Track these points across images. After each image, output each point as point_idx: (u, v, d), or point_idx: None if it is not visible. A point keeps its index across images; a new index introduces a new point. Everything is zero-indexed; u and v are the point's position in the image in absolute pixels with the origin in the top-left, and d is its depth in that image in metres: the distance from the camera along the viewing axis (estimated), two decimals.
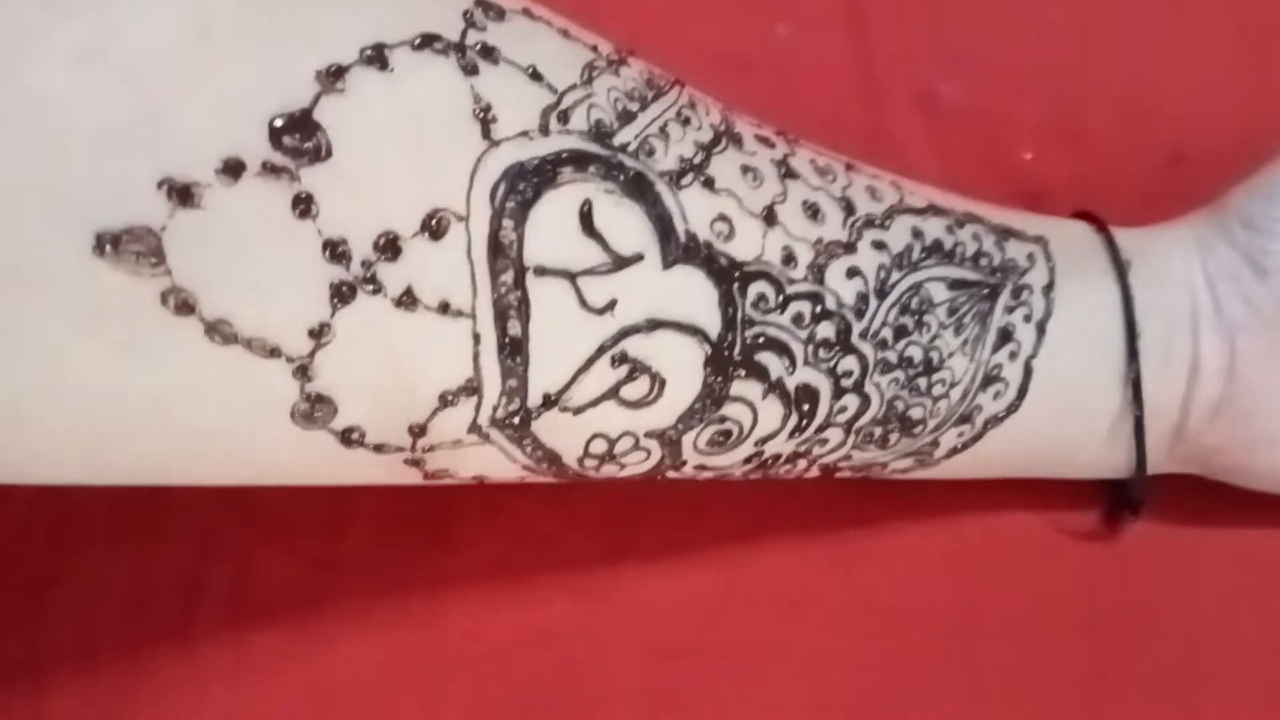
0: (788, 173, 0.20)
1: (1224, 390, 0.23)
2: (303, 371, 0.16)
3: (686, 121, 0.18)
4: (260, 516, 0.25)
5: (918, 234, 0.21)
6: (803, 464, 0.21)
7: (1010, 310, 0.22)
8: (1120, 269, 0.23)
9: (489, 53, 0.16)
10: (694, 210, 0.18)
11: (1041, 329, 0.22)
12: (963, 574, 0.25)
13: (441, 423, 0.17)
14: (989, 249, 0.22)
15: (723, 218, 0.18)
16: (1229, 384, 0.23)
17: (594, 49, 0.18)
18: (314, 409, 0.16)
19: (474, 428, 0.17)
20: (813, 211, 0.19)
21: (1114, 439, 0.23)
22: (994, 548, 0.25)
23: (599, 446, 0.19)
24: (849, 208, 0.20)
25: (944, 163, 0.29)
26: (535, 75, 0.17)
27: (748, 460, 0.20)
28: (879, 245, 0.20)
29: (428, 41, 0.16)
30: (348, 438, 0.17)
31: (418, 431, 0.17)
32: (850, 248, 0.20)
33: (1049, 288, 0.22)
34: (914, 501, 0.25)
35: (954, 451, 0.22)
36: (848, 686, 0.24)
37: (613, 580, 0.24)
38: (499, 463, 0.18)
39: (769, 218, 0.19)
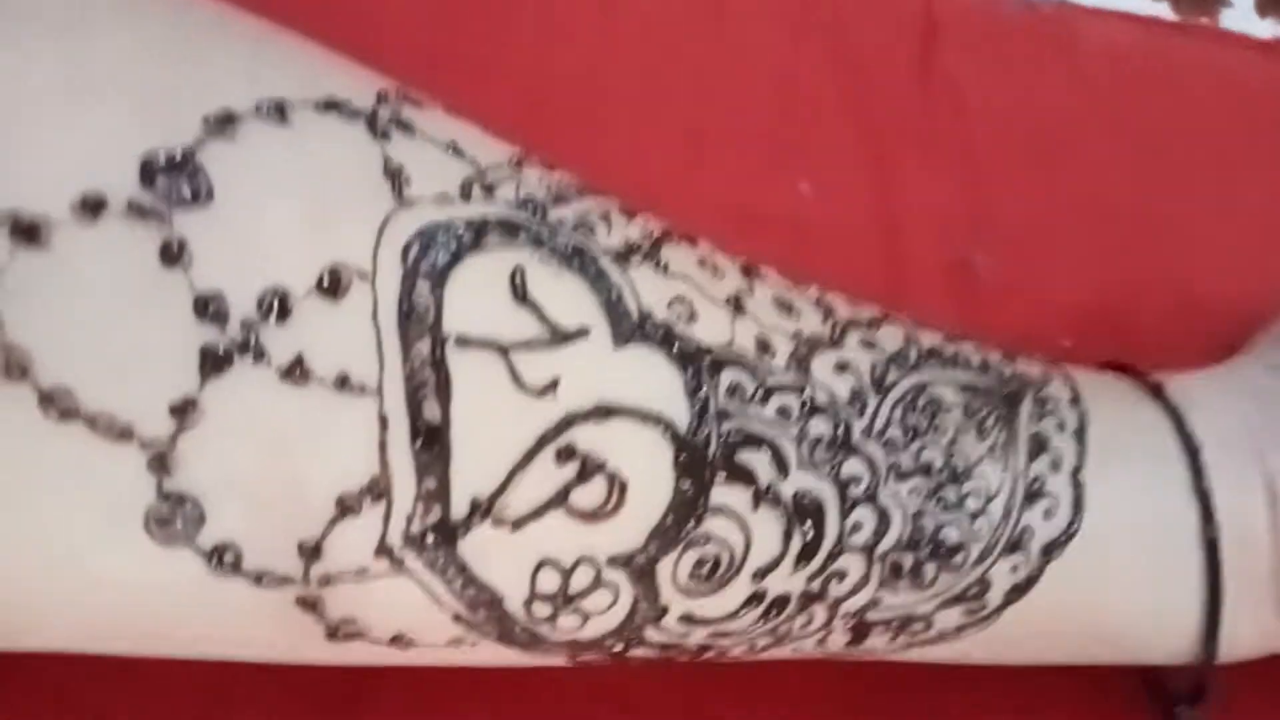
0: (753, 273, 0.18)
1: None
2: (160, 461, 0.12)
3: (632, 215, 0.17)
4: (128, 674, 0.19)
5: (911, 340, 0.18)
6: (820, 615, 0.17)
7: (1038, 419, 0.18)
8: (1156, 390, 0.20)
9: (404, 126, 0.15)
10: (646, 288, 0.15)
11: (1080, 438, 0.18)
12: None
13: (340, 539, 0.13)
14: (995, 362, 0.19)
15: (680, 300, 0.16)
16: None
17: (523, 153, 0.17)
18: (174, 514, 0.13)
19: (383, 548, 0.14)
20: (786, 307, 0.17)
21: (1188, 579, 0.18)
22: None
23: (549, 581, 0.15)
24: (827, 309, 0.18)
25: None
26: (456, 150, 0.15)
27: (747, 604, 0.16)
28: (868, 344, 0.18)
29: (333, 105, 0.14)
30: (219, 558, 0.13)
31: (310, 552, 0.13)
32: (835, 343, 0.17)
33: (1075, 401, 0.19)
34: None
35: (1011, 596, 0.18)
36: None
37: None
38: (421, 609, 0.14)
39: (736, 306, 0.16)
